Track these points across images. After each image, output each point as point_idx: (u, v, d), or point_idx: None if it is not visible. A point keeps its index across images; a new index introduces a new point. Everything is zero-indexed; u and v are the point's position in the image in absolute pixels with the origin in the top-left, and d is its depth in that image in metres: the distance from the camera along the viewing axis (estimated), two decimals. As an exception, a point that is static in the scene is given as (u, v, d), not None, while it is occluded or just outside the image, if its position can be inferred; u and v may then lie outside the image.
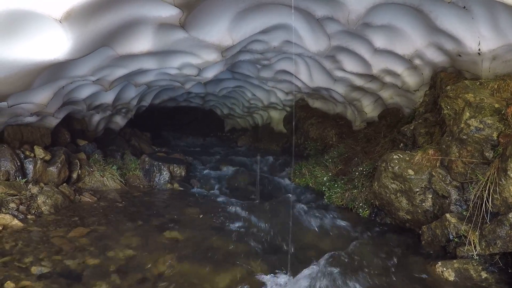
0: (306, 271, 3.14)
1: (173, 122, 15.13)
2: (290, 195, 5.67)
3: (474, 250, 3.17)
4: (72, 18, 3.05)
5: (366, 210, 4.74)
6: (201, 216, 4.64)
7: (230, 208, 4.94)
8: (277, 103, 9.85)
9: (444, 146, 3.87)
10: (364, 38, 5.24)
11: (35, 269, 2.96)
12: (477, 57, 4.25)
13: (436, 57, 4.94)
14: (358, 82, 6.56)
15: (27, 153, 4.80)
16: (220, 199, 5.56)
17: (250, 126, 12.62)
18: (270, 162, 8.28)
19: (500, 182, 3.12)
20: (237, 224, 4.35)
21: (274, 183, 6.66)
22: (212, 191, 6.06)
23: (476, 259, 3.16)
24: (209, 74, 6.39)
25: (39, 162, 4.77)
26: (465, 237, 3.26)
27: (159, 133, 12.58)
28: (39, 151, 4.93)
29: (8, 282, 2.72)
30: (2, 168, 4.35)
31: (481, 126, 3.52)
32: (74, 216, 4.23)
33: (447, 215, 3.52)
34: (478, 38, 4.09)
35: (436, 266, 3.21)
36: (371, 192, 4.66)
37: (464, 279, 3.08)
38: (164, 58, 5.34)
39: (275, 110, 10.72)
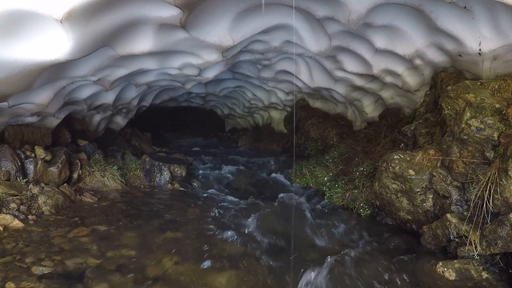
0: (307, 273, 3.13)
1: (174, 122, 15.14)
2: (291, 195, 5.66)
3: (475, 250, 3.17)
4: (73, 18, 3.05)
5: (367, 210, 4.74)
6: (201, 216, 4.64)
7: (231, 208, 4.94)
8: (277, 103, 9.85)
9: (444, 146, 3.86)
10: (364, 38, 5.24)
11: (36, 269, 2.95)
12: (477, 57, 4.24)
13: (437, 57, 4.94)
14: (359, 82, 6.56)
15: (28, 153, 4.81)
16: (220, 199, 5.55)
17: (250, 126, 12.62)
18: (271, 162, 8.27)
19: (501, 182, 3.12)
20: (237, 225, 4.35)
21: (274, 183, 6.66)
22: (213, 191, 6.05)
23: (477, 259, 3.16)
24: (210, 74, 6.40)
25: (39, 162, 4.77)
26: (466, 237, 3.26)
27: (159, 133, 12.58)
28: (40, 151, 4.93)
29: (9, 282, 2.72)
30: (3, 168, 4.35)
31: (482, 126, 3.52)
32: (74, 216, 4.23)
33: (448, 215, 3.52)
34: (478, 38, 4.09)
35: (437, 266, 3.20)
36: (372, 192, 4.66)
37: (465, 279, 3.08)
38: (165, 58, 5.34)
39: (275, 110, 10.72)
